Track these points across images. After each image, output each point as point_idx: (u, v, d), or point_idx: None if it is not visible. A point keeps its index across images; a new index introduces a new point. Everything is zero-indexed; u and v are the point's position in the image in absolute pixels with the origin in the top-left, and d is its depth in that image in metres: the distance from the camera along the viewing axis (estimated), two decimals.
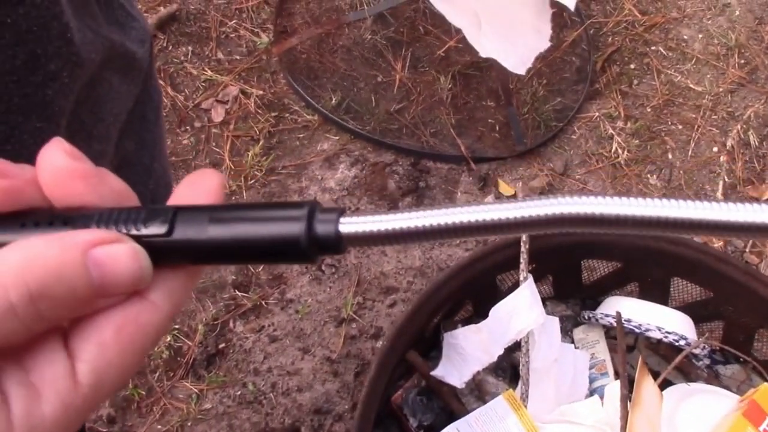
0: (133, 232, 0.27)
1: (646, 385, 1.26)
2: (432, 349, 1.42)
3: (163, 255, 0.27)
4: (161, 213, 0.28)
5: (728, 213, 0.25)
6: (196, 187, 0.29)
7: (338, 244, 0.27)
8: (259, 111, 2.02)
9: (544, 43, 1.64)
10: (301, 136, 2.00)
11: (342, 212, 0.28)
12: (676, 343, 1.34)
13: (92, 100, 0.53)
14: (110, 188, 0.28)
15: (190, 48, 2.12)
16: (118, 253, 0.26)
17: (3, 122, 0.44)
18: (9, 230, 0.27)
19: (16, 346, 0.25)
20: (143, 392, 1.58)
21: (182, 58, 2.10)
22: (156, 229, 0.27)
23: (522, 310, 1.27)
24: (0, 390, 0.25)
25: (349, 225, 0.27)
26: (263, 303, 1.70)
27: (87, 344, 0.26)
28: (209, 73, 2.07)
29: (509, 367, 1.40)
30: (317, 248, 0.27)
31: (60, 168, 0.27)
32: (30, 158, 0.46)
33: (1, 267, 0.24)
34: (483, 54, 1.66)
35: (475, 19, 1.62)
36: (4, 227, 0.27)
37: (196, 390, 1.59)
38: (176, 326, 1.65)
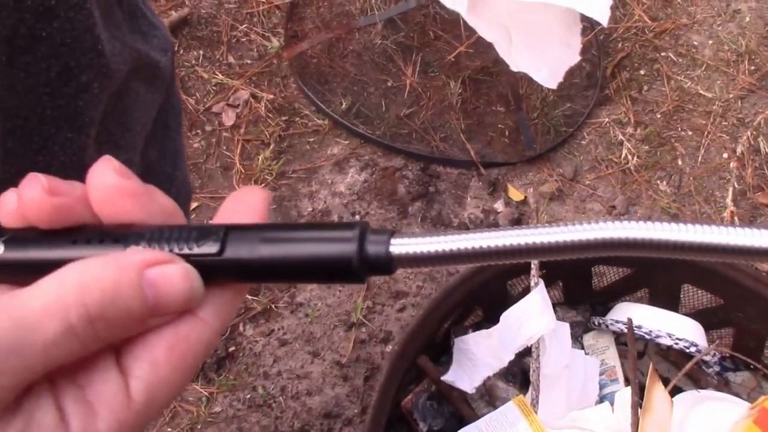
0: (185, 251, 0.28)
1: (657, 392, 1.26)
2: (442, 354, 1.42)
3: (214, 273, 0.28)
4: (213, 232, 0.28)
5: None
6: (242, 204, 0.30)
7: (389, 264, 0.28)
8: (270, 115, 2.03)
9: (574, 57, 1.64)
10: (312, 140, 2.00)
11: (392, 233, 0.28)
12: (687, 350, 1.34)
13: (119, 111, 0.54)
14: (159, 206, 0.29)
15: (201, 52, 2.13)
16: (172, 274, 0.26)
17: (36, 133, 0.44)
18: (61, 247, 0.28)
19: (73, 364, 0.26)
20: None
21: (193, 62, 2.11)
22: (208, 249, 0.28)
23: (533, 316, 1.27)
24: (58, 407, 0.25)
25: (399, 246, 0.27)
26: (273, 306, 1.71)
27: (140, 362, 0.26)
28: (220, 77, 2.08)
29: (519, 373, 1.40)
30: (368, 269, 0.28)
31: (110, 186, 0.28)
32: (60, 169, 0.47)
33: (61, 288, 0.25)
34: (514, 68, 1.65)
35: (505, 33, 1.62)
36: (56, 244, 0.28)
37: (206, 393, 1.60)
38: None
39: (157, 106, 0.64)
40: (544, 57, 1.63)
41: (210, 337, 0.28)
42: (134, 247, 0.27)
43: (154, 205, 0.29)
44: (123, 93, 0.55)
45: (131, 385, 0.26)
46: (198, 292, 0.27)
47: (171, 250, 0.28)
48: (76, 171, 0.47)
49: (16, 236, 0.28)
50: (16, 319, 0.24)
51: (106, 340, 0.26)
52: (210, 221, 0.29)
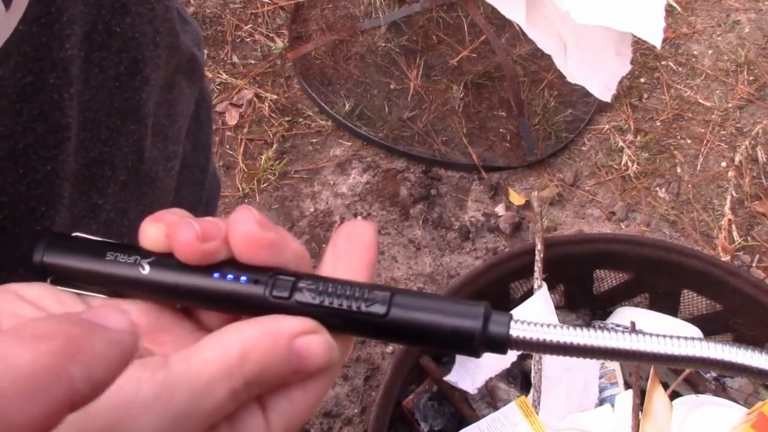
0: (333, 304, 0.30)
1: (657, 396, 1.28)
2: (444, 355, 1.43)
3: (346, 328, 0.31)
4: (378, 296, 0.30)
5: None
6: (354, 242, 0.32)
7: (505, 345, 0.30)
8: (273, 115, 2.04)
9: (625, 67, 1.65)
10: (314, 141, 2.01)
11: (512, 317, 0.30)
12: None
13: (168, 103, 0.55)
14: (291, 252, 0.31)
15: (205, 51, 2.13)
16: (316, 345, 0.29)
17: (105, 126, 0.45)
18: (202, 277, 0.30)
19: None
20: None
21: None
22: (374, 309, 0.30)
23: (536, 318, 1.29)
24: None
25: (518, 330, 0.30)
26: None
27: (279, 400, 0.30)
28: (224, 76, 2.09)
29: (520, 375, 1.41)
30: (486, 345, 0.30)
31: (251, 236, 0.30)
32: (121, 159, 0.48)
33: (226, 356, 0.28)
34: (571, 80, 1.66)
35: (561, 44, 1.63)
36: (198, 274, 0.30)
37: None
38: None
39: (194, 99, 0.65)
40: (597, 68, 1.64)
41: (335, 375, 0.31)
42: (286, 316, 0.29)
43: (288, 252, 0.31)
44: (171, 86, 0.56)
45: (271, 419, 0.29)
46: (335, 361, 0.30)
47: (327, 305, 0.30)
48: (134, 160, 0.49)
49: (161, 261, 0.31)
50: (191, 389, 0.27)
51: (255, 396, 0.29)
52: (321, 260, 0.32)
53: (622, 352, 0.29)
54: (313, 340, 0.29)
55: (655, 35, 1.47)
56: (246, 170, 1.93)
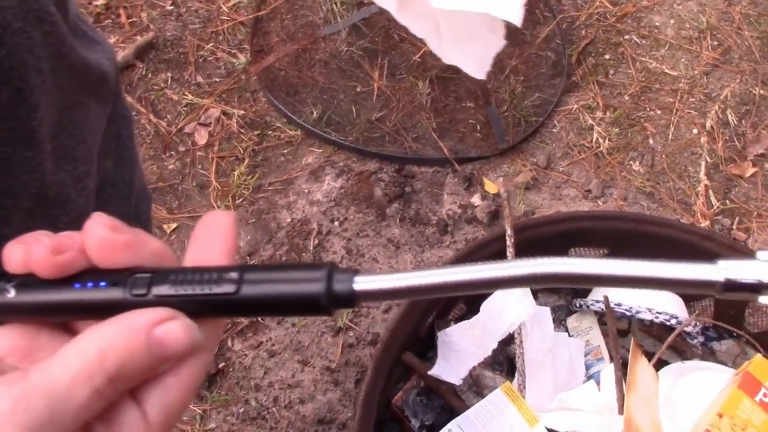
0: (188, 291, 0.32)
1: (641, 366, 1.27)
2: (429, 350, 1.43)
3: (201, 311, 0.32)
4: (229, 277, 0.32)
5: (662, 270, 0.31)
6: (212, 231, 0.33)
7: (352, 300, 0.32)
8: (242, 130, 2.04)
9: (500, 42, 1.66)
10: (285, 151, 2.02)
11: (356, 272, 0.32)
12: (668, 323, 1.35)
13: (73, 124, 0.55)
14: (150, 250, 0.32)
15: (169, 74, 2.14)
16: (175, 330, 0.30)
17: None
18: (66, 290, 0.31)
19: None
20: None
21: (162, 84, 2.12)
22: (225, 289, 0.32)
23: (512, 303, 1.29)
24: None
25: (362, 284, 0.32)
26: (260, 319, 1.71)
27: (152, 389, 0.30)
28: (190, 97, 2.09)
29: (506, 361, 1.41)
30: (334, 304, 0.32)
31: (104, 241, 0.31)
32: (21, 188, 0.48)
33: (84, 358, 0.28)
34: (446, 61, 1.69)
35: (435, 27, 1.64)
36: (62, 288, 0.31)
37: (199, 411, 1.60)
38: None
39: (106, 117, 0.65)
40: (471, 48, 1.65)
41: (206, 358, 0.32)
42: (141, 310, 0.30)
43: (146, 251, 0.32)
44: (74, 106, 0.56)
45: (147, 410, 0.30)
46: (198, 341, 0.31)
47: (183, 293, 0.31)
48: (38, 186, 0.49)
49: (24, 282, 0.31)
50: (49, 395, 0.28)
51: (125, 391, 0.30)
52: (186, 252, 0.33)
53: (463, 283, 0.31)
54: (171, 327, 0.30)
55: (513, 13, 1.48)
56: (220, 188, 1.93)
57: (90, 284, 0.31)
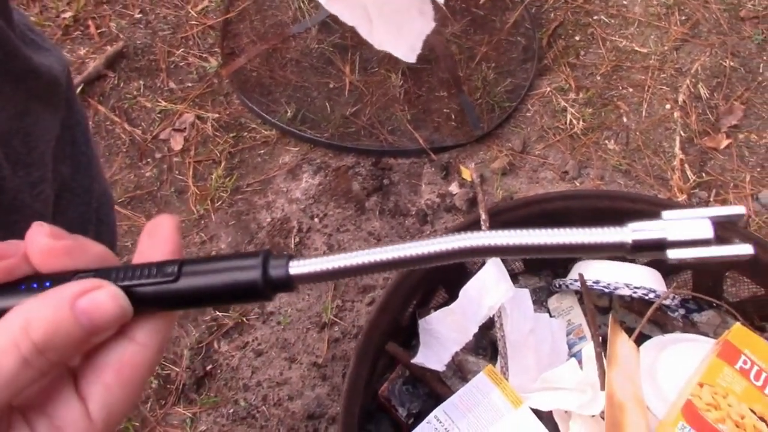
0: (125, 283, 0.33)
1: (621, 342, 1.28)
2: (412, 339, 1.44)
3: (143, 303, 0.32)
4: (168, 268, 0.33)
5: (577, 236, 0.32)
6: (156, 236, 0.34)
7: (289, 284, 0.33)
8: (217, 134, 2.04)
9: (429, 24, 1.68)
10: (262, 152, 2.02)
11: (291, 257, 0.33)
12: (646, 297, 1.36)
13: (23, 131, 0.55)
14: (92, 254, 0.33)
15: (141, 82, 2.13)
16: (101, 298, 0.31)
17: None
18: (12, 295, 0.32)
19: (37, 393, 0.31)
20: (137, 423, 1.59)
21: (135, 92, 2.11)
22: (165, 278, 0.33)
23: (490, 286, 1.30)
24: None
25: (297, 267, 0.33)
26: (244, 320, 1.72)
27: (94, 388, 0.31)
28: (163, 103, 2.09)
29: (489, 345, 1.42)
30: (272, 289, 0.33)
31: (44, 248, 0.32)
32: None
33: (9, 329, 0.29)
34: (377, 47, 1.71)
35: (365, 14, 1.65)
36: (8, 292, 0.33)
37: (189, 414, 1.60)
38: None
39: (59, 123, 0.66)
40: (402, 32, 1.67)
41: (150, 356, 0.32)
42: (68, 284, 0.31)
43: (88, 255, 0.33)
44: (23, 113, 0.57)
45: (90, 408, 0.31)
46: (127, 310, 0.32)
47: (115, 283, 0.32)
48: None
49: None
50: None
51: (59, 364, 0.30)
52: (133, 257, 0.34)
53: (391, 261, 0.32)
54: (96, 295, 0.31)
55: None
56: (198, 192, 1.93)
57: (35, 285, 0.32)
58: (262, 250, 0.34)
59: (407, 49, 1.68)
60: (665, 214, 0.32)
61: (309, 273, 0.33)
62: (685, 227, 0.31)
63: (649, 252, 0.31)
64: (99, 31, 2.22)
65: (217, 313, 1.73)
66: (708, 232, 0.31)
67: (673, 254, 0.31)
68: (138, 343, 0.32)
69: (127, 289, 0.32)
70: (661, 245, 0.31)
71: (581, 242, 0.32)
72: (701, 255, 0.31)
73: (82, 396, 0.31)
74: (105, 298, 0.31)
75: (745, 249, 0.31)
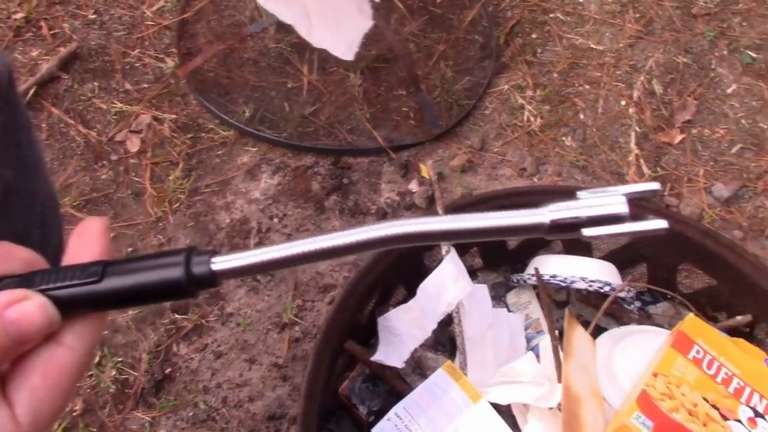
0: (50, 285, 0.32)
1: (577, 335, 1.30)
2: (372, 337, 1.44)
3: (68, 306, 0.32)
4: (92, 269, 0.33)
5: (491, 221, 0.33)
6: (83, 237, 0.34)
7: (212, 279, 0.33)
8: (175, 135, 2.02)
9: (367, 23, 1.69)
10: (220, 152, 2.00)
11: (214, 253, 0.34)
12: (602, 290, 1.37)
13: None
14: (18, 259, 0.33)
15: (96, 83, 2.10)
16: (29, 309, 0.31)
17: None
18: None
19: None
20: (94, 429, 1.57)
21: (89, 94, 2.08)
22: (89, 279, 0.33)
23: (448, 283, 1.30)
24: None
25: (219, 263, 0.33)
26: (204, 322, 1.70)
27: (21, 392, 0.31)
28: (119, 105, 2.06)
29: (448, 341, 1.42)
30: (195, 285, 0.33)
31: None
32: None
33: None
34: (315, 45, 1.72)
35: (304, 12, 1.65)
36: None
37: (148, 418, 1.58)
38: (119, 359, 1.65)
39: (1, 126, 0.64)
40: (341, 30, 1.68)
41: (78, 359, 0.32)
42: None
43: (15, 261, 0.33)
44: None
45: (17, 412, 0.31)
46: (55, 319, 0.31)
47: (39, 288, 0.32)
48: None
49: None
50: None
51: None
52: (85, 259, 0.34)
53: (313, 253, 0.33)
54: (24, 306, 0.31)
55: None
56: (156, 194, 1.91)
57: None
58: (186, 248, 0.34)
59: (345, 48, 1.69)
60: (580, 194, 0.32)
61: (232, 268, 0.33)
62: (601, 205, 0.32)
63: (566, 232, 0.32)
64: (52, 32, 2.19)
65: (176, 315, 1.71)
66: (623, 209, 0.31)
67: (588, 232, 0.32)
68: (66, 346, 0.32)
69: (52, 292, 0.32)
70: (577, 224, 0.32)
71: (501, 225, 0.32)
72: (617, 231, 0.31)
73: (10, 400, 0.31)
74: (33, 309, 0.31)
75: (660, 224, 0.32)
